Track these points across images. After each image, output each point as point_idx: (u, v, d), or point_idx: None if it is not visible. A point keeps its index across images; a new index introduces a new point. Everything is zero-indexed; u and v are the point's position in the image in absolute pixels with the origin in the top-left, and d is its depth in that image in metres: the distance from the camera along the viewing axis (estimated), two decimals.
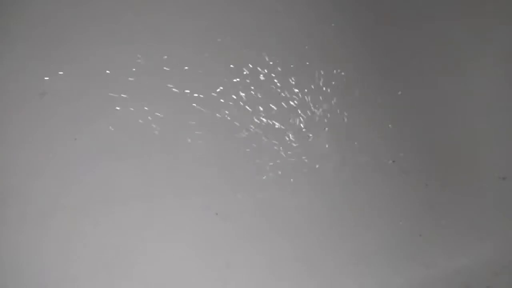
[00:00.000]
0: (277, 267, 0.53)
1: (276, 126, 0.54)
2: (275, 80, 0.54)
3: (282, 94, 0.54)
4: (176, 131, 0.52)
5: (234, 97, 0.53)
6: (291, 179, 0.54)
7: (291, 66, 0.54)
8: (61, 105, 0.50)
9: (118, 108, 0.51)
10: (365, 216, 0.54)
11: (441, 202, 0.55)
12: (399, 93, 0.55)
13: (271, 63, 0.54)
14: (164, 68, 0.52)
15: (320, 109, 0.54)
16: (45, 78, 0.50)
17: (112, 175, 0.51)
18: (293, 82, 0.54)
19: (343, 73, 0.55)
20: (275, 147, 0.54)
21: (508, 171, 0.56)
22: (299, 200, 0.54)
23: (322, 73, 0.55)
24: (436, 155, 0.56)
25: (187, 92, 0.52)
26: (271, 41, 0.54)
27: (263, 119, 0.54)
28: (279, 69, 0.54)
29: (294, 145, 0.54)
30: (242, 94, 0.53)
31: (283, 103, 0.54)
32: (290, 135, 0.54)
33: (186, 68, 0.52)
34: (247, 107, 0.53)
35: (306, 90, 0.54)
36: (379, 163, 0.55)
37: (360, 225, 0.54)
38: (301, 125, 0.54)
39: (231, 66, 0.53)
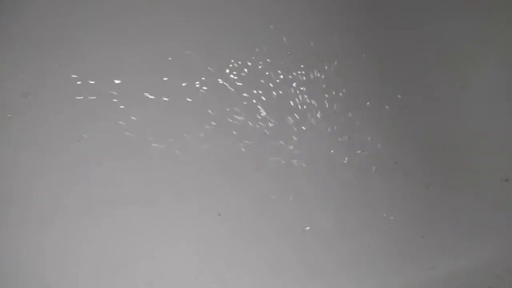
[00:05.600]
0: (277, 267, 0.53)
1: (277, 127, 0.54)
2: (275, 81, 0.54)
3: (283, 95, 0.54)
4: (177, 132, 0.52)
5: (235, 97, 0.53)
6: (293, 180, 0.54)
7: (292, 67, 0.54)
8: (64, 106, 0.51)
9: (120, 109, 0.51)
10: (367, 217, 0.54)
11: (442, 203, 0.55)
12: (399, 96, 0.55)
13: (271, 64, 0.54)
14: (165, 68, 0.52)
15: (321, 110, 0.55)
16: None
17: (114, 176, 0.51)
18: (294, 84, 0.54)
19: (343, 74, 0.55)
20: (277, 148, 0.54)
21: (511, 173, 0.55)
22: (300, 200, 0.54)
23: (323, 74, 0.55)
24: (438, 156, 0.56)
25: (188, 92, 0.53)
26: (271, 41, 0.54)
27: (264, 120, 0.54)
28: (280, 70, 0.54)
29: (296, 145, 0.54)
30: (243, 95, 0.53)
31: (284, 104, 0.54)
32: (291, 136, 0.54)
33: (187, 68, 0.53)
34: (248, 108, 0.53)
35: (307, 91, 0.54)
36: (381, 164, 0.55)
37: (362, 226, 0.54)
38: (302, 126, 0.54)
39: (231, 66, 0.53)
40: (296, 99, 0.54)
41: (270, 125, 0.54)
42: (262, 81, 0.54)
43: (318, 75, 0.55)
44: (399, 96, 0.56)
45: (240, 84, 0.54)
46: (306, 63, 0.54)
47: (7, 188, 0.50)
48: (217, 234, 0.52)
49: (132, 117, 0.52)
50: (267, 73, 0.54)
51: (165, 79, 0.52)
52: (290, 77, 0.54)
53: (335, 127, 0.55)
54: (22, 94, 0.50)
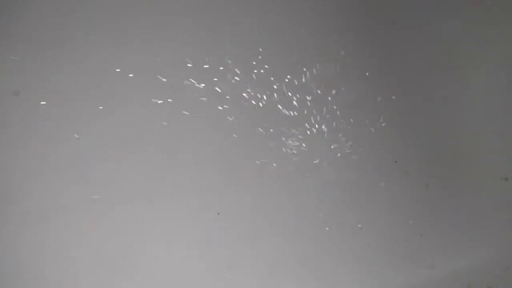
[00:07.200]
0: (278, 267, 0.53)
1: (277, 126, 0.54)
2: (275, 81, 0.54)
3: (283, 94, 0.54)
4: (177, 131, 0.52)
5: (235, 97, 0.53)
6: (293, 179, 0.54)
7: (292, 66, 0.54)
8: (63, 104, 0.51)
9: (119, 107, 0.51)
10: (366, 216, 0.54)
11: (442, 203, 0.55)
12: (399, 96, 0.55)
13: (271, 63, 0.54)
14: (165, 68, 0.52)
15: (321, 110, 0.55)
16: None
17: (113, 175, 0.51)
18: (294, 83, 0.54)
19: (344, 74, 0.55)
20: (276, 147, 0.54)
21: (510, 172, 0.56)
22: (300, 200, 0.54)
23: (323, 74, 0.55)
24: (437, 155, 0.56)
25: (188, 92, 0.53)
26: (271, 41, 0.54)
27: (264, 120, 0.54)
28: (280, 69, 0.54)
29: (295, 145, 0.54)
30: (243, 95, 0.53)
31: (284, 104, 0.54)
32: (291, 135, 0.54)
33: (187, 68, 0.53)
34: (248, 107, 0.53)
35: (307, 90, 0.54)
36: (381, 163, 0.55)
37: (361, 225, 0.54)
38: (302, 126, 0.54)
39: (231, 66, 0.53)
40: (296, 99, 0.54)
41: (270, 124, 0.54)
42: (262, 81, 0.54)
43: (318, 75, 0.55)
44: (399, 96, 0.56)
45: (240, 84, 0.53)
46: (306, 63, 0.54)
47: (6, 188, 0.49)
48: (217, 234, 0.52)
49: (132, 116, 0.52)
50: (266, 73, 0.54)
51: (165, 79, 0.52)
52: (289, 77, 0.54)
53: (335, 127, 0.55)
54: (14, 93, 0.50)
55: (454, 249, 0.54)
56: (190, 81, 0.53)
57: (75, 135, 0.50)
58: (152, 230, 0.51)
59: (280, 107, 0.54)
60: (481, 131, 0.56)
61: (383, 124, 0.55)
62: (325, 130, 0.54)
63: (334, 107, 0.55)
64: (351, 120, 0.55)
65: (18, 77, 0.50)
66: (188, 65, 0.53)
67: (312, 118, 0.54)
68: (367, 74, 0.55)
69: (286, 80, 0.54)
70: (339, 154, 0.55)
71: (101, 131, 0.51)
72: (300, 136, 0.54)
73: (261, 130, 0.54)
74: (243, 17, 0.54)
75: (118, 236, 0.51)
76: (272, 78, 0.54)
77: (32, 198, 0.49)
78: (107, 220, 0.51)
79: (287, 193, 0.54)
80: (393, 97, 0.55)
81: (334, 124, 0.55)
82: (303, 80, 0.54)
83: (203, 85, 0.53)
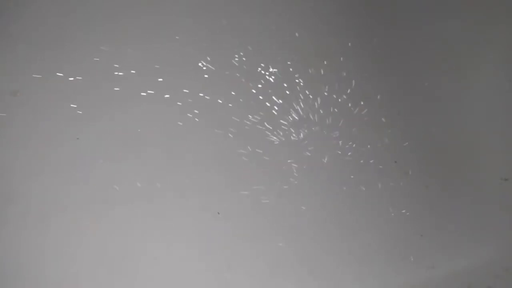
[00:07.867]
0: (278, 267, 0.53)
1: (277, 127, 0.54)
2: (275, 80, 0.54)
3: (283, 94, 0.54)
4: (177, 131, 0.52)
5: (235, 97, 0.53)
6: (292, 179, 0.54)
7: (292, 65, 0.54)
8: (63, 105, 0.51)
9: (119, 107, 0.51)
10: (366, 216, 0.54)
11: (442, 203, 0.55)
12: (399, 96, 0.55)
13: (271, 62, 0.54)
14: (165, 68, 0.52)
15: (321, 110, 0.55)
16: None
17: (113, 175, 0.51)
18: (294, 83, 0.54)
19: (344, 74, 0.55)
20: (276, 148, 0.54)
21: (510, 172, 0.56)
22: (300, 200, 0.54)
23: (323, 73, 0.55)
24: (438, 156, 0.56)
25: (187, 92, 0.53)
26: (271, 41, 0.54)
27: (264, 120, 0.54)
28: (279, 69, 0.54)
29: (296, 145, 0.54)
30: (242, 95, 0.53)
31: (283, 103, 0.54)
32: (291, 135, 0.54)
33: (187, 68, 0.53)
34: (247, 107, 0.53)
35: (306, 90, 0.54)
36: (380, 164, 0.55)
37: (361, 225, 0.54)
38: (302, 126, 0.54)
39: (231, 67, 0.53)
40: (296, 100, 0.54)
41: (270, 125, 0.54)
42: (262, 81, 0.54)
43: (318, 75, 0.55)
44: (399, 96, 0.56)
45: (240, 84, 0.54)
46: (306, 63, 0.54)
47: (6, 188, 0.49)
48: (217, 234, 0.52)
49: (132, 117, 0.52)
50: (266, 73, 0.54)
51: (164, 79, 0.52)
52: (290, 77, 0.54)
53: (335, 127, 0.55)
54: (13, 93, 0.50)
55: (454, 249, 0.54)
56: (190, 81, 0.53)
57: (76, 136, 0.51)
58: (152, 230, 0.51)
59: (280, 106, 0.54)
60: (481, 131, 0.56)
61: (383, 125, 0.55)
62: (325, 131, 0.54)
63: (334, 107, 0.55)
64: (351, 120, 0.55)
65: (18, 77, 0.50)
66: (188, 65, 0.53)
67: (311, 119, 0.54)
68: (367, 74, 0.55)
69: (285, 80, 0.54)
70: (339, 154, 0.55)
71: (101, 131, 0.51)
72: (299, 136, 0.54)
73: (260, 129, 0.54)
74: (243, 17, 0.54)
75: (118, 236, 0.51)
76: (271, 78, 0.54)
77: (32, 198, 0.50)
78: (107, 220, 0.51)
79: (287, 193, 0.54)
80: (393, 97, 0.55)
81: (334, 124, 0.55)
82: (302, 80, 0.54)
83: (203, 84, 0.53)
